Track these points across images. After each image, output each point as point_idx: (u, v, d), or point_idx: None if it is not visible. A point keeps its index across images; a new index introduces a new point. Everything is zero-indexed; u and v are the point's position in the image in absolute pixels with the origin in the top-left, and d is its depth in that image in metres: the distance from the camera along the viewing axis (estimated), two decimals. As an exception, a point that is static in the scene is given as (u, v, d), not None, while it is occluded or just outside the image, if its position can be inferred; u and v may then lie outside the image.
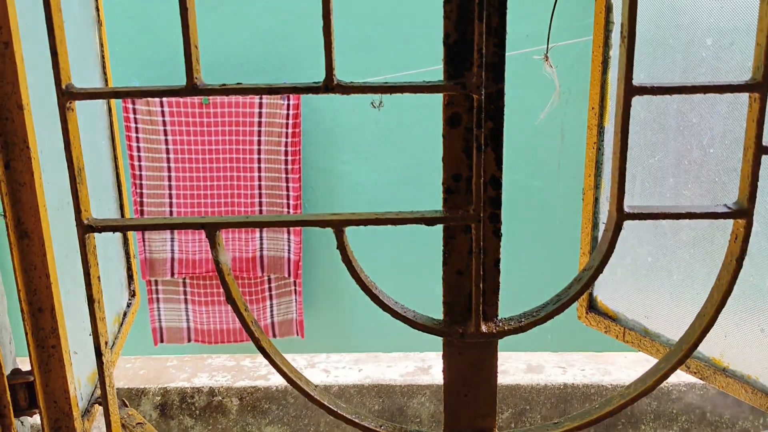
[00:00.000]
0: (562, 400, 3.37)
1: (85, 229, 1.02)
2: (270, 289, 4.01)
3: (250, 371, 3.49)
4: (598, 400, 3.39)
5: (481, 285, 1.09)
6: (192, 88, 0.99)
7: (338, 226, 1.05)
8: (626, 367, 3.46)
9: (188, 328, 4.12)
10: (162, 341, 4.13)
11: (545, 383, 3.36)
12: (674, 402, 3.37)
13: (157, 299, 4.06)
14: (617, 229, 1.03)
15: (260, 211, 3.88)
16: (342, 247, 1.07)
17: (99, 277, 1.05)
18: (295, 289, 4.01)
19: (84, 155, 1.79)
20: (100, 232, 1.02)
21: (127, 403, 1.43)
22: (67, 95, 1.01)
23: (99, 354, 1.06)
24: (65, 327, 1.31)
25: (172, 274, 3.98)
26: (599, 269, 1.08)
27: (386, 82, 1.01)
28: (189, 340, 4.13)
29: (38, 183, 1.28)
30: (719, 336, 1.53)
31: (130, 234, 1.83)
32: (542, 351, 3.69)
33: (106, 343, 1.07)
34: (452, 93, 1.03)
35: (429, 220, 1.06)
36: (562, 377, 3.38)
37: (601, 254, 1.06)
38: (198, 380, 3.45)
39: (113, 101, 2.02)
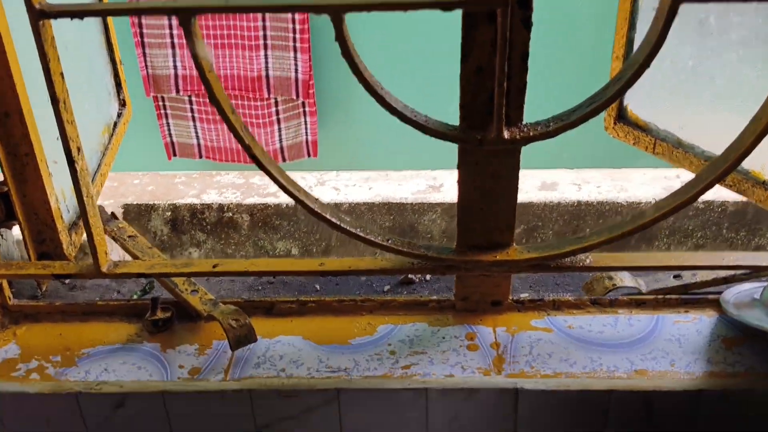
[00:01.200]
0: (575, 217, 3.31)
1: (37, 14, 0.86)
2: (278, 112, 3.86)
3: (260, 189, 3.43)
4: (612, 216, 3.33)
5: (505, 84, 0.94)
6: None
7: (337, 11, 0.89)
8: (644, 183, 3.36)
9: (198, 145, 4.04)
10: (175, 155, 4.07)
11: (559, 200, 3.28)
12: (690, 218, 3.31)
13: (166, 115, 3.95)
14: (671, 13, 0.86)
15: (264, 26, 3.63)
16: (341, 37, 0.91)
17: (62, 74, 0.91)
18: (305, 111, 3.86)
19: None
20: (55, 18, 0.86)
21: (116, 215, 1.34)
22: None
23: (71, 161, 0.95)
24: (38, 133, 1.18)
25: (177, 91, 3.83)
26: (644, 65, 0.92)
27: None
28: (200, 156, 4.06)
29: (-11, -33, 1.10)
30: (764, 147, 1.38)
31: (114, 38, 1.66)
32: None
33: (79, 149, 0.94)
34: None
35: (446, 4, 0.89)
36: (577, 194, 3.30)
37: (650, 46, 0.90)
38: (207, 197, 3.40)
39: None
